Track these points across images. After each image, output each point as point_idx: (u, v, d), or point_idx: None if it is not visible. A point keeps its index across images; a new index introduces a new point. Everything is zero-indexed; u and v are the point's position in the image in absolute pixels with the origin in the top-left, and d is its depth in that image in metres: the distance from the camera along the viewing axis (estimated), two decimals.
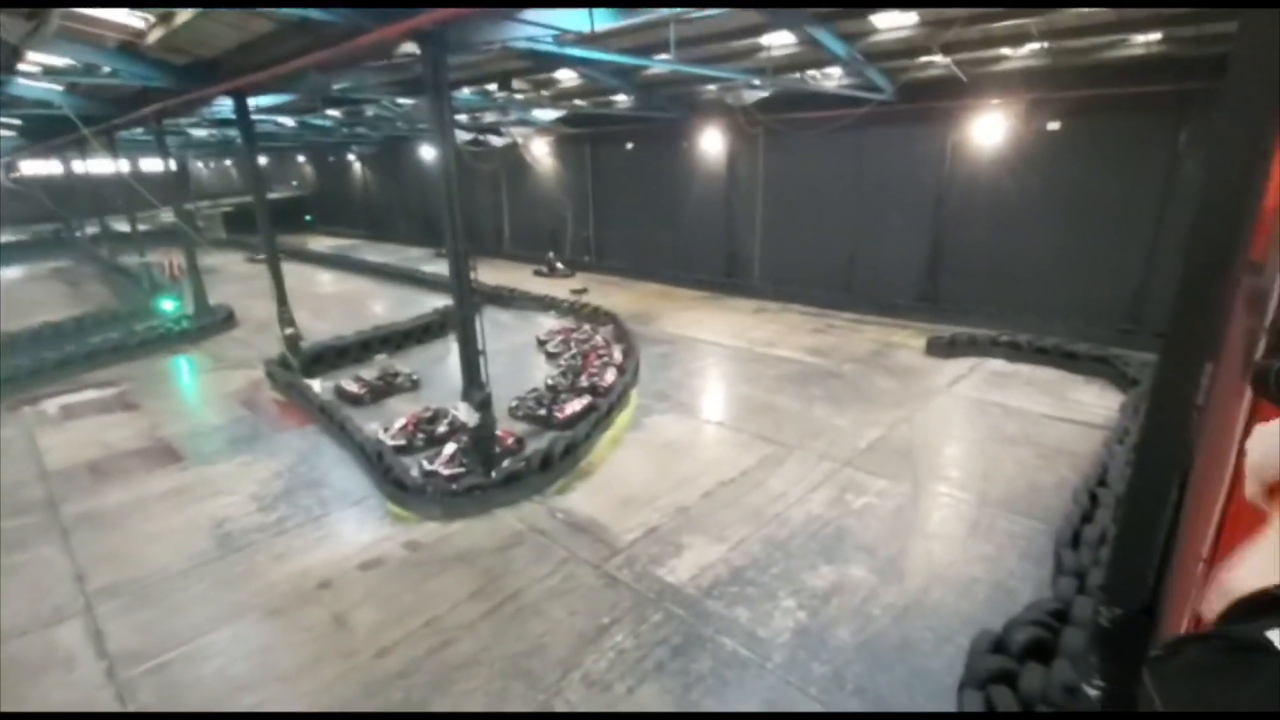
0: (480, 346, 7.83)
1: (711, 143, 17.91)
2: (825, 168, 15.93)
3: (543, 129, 21.54)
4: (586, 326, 14.52)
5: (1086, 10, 9.12)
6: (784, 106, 14.95)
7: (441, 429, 9.29)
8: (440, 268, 14.48)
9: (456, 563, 6.59)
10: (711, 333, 14.61)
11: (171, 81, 10.53)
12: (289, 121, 19.60)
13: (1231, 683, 0.58)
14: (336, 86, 11.81)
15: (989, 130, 13.08)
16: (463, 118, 18.90)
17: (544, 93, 16.55)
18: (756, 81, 12.36)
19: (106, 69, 10.43)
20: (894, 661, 5.12)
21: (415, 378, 11.81)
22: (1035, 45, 10.82)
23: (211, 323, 16.00)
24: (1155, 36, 10.14)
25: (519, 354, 13.63)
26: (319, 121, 19.54)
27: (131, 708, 4.94)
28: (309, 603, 6.05)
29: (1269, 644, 0.58)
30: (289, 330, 11.98)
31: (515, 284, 18.79)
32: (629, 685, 4.97)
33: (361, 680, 5.11)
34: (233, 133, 20.25)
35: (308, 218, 38.08)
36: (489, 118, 19.67)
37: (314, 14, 6.81)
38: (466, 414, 7.96)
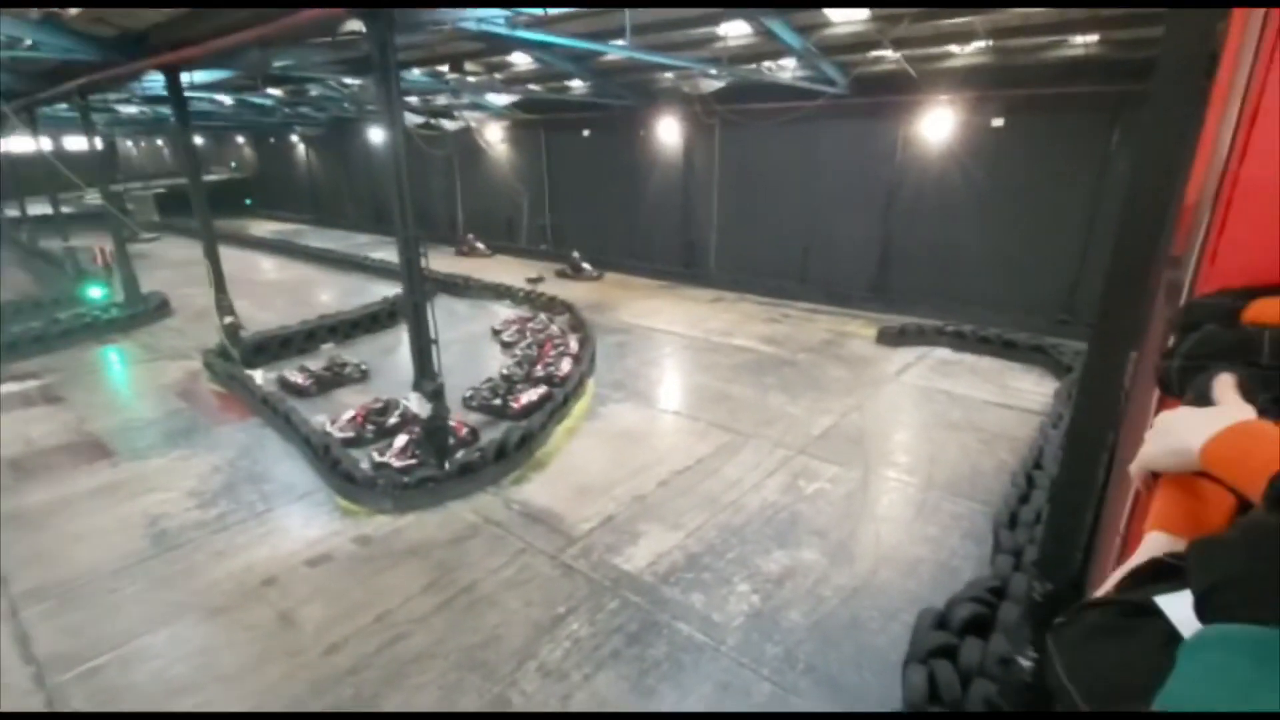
0: (433, 336, 7.66)
1: (669, 132, 17.87)
2: (780, 159, 16.11)
3: (497, 114, 21.11)
4: (543, 316, 14.37)
5: (1029, 10, 9.43)
6: (740, 97, 15.03)
7: (392, 421, 9.07)
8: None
9: (409, 556, 6.47)
10: (668, 322, 14.67)
11: (97, 55, 9.87)
12: (226, 99, 18.68)
13: (1119, 641, 0.65)
14: (278, 64, 11.28)
15: (937, 126, 13.44)
16: (413, 100, 18.35)
17: (497, 76, 16.21)
18: (713, 71, 12.39)
19: (28, 41, 9.72)
20: (843, 640, 5.29)
21: (364, 368, 11.50)
22: (981, 43, 11.16)
23: (144, 311, 15.16)
24: (1093, 38, 10.57)
25: (473, 344, 13.41)
26: (259, 100, 18.70)
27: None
28: (253, 601, 5.85)
29: (1154, 606, 0.65)
30: (228, 319, 11.47)
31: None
32: (585, 673, 4.99)
33: (310, 678, 4.98)
34: (165, 110, 19.13)
35: (248, 201, 36.41)
36: (441, 101, 19.15)
37: None
38: (418, 405, 7.79)
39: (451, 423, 8.48)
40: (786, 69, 13.30)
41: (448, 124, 21.98)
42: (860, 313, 14.83)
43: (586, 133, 20.12)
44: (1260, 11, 1.26)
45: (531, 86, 16.62)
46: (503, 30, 8.90)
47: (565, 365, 10.83)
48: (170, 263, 21.96)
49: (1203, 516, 0.86)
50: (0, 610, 5.74)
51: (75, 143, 22.78)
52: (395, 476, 7.47)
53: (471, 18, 7.72)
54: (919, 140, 13.88)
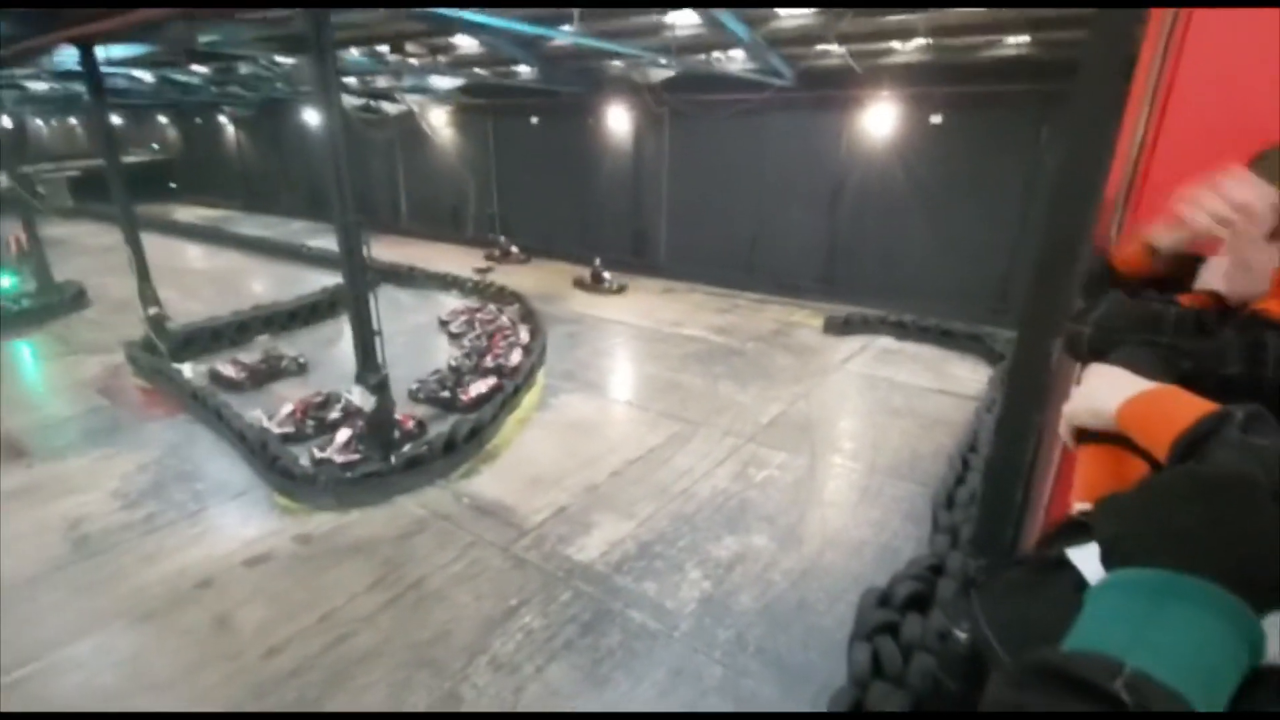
0: (376, 327, 7.43)
1: (618, 120, 17.76)
2: (729, 150, 16.24)
3: (442, 98, 20.51)
4: (492, 306, 14.13)
5: (966, 10, 9.77)
6: (690, 87, 15.05)
7: (334, 415, 8.77)
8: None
9: (353, 554, 6.29)
10: (619, 312, 14.65)
11: (3, 27, 9.10)
12: (147, 76, 17.47)
13: (1034, 592, 0.71)
14: (204, 39, 10.63)
15: (880, 121, 13.80)
16: (352, 81, 17.62)
17: (441, 58, 15.73)
18: (663, 60, 12.35)
19: None
20: (792, 622, 5.43)
21: (302, 361, 11.05)
22: (921, 41, 11.50)
23: (58, 302, 14.18)
24: (1025, 39, 11.04)
25: (420, 335, 13.07)
26: (183, 78, 17.58)
27: None
28: (187, 604, 5.59)
29: (1065, 559, 0.70)
30: (153, 310, 10.82)
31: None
32: (537, 665, 4.97)
33: (249, 682, 4.79)
34: (79, 87, 17.80)
35: (172, 185, 34.33)
36: (381, 83, 18.45)
37: None
38: (361, 398, 7.55)
39: (397, 416, 8.27)
40: (735, 60, 13.40)
41: (389, 107, 21.21)
42: (808, 303, 15.15)
43: (535, 120, 19.78)
44: (1170, 16, 1.34)
45: (477, 70, 16.21)
46: (445, 10, 8.65)
47: (515, 356, 10.69)
48: (87, 249, 20.56)
49: (1124, 486, 0.93)
50: None
51: None
52: (337, 472, 7.24)
53: None
54: (863, 134, 14.22)
